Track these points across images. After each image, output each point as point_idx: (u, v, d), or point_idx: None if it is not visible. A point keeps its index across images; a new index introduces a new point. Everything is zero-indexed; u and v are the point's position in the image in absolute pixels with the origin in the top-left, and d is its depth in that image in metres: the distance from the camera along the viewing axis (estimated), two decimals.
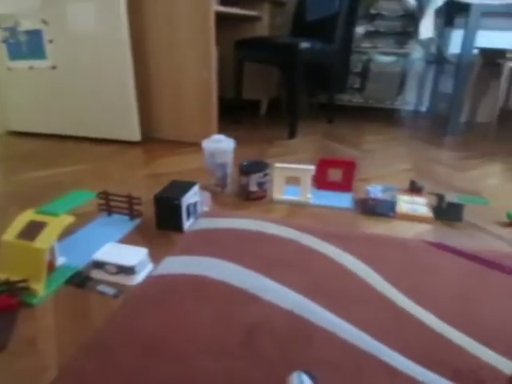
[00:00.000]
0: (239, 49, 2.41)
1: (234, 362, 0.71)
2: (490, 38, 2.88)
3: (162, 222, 1.19)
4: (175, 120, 2.14)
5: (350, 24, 2.60)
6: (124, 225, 1.22)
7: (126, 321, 0.81)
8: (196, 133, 2.08)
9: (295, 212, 1.34)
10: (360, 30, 2.90)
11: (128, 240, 1.13)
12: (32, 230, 0.92)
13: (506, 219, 1.33)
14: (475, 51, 2.41)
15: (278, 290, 0.91)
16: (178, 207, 1.14)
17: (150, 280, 0.94)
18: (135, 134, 2.09)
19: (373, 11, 2.84)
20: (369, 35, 2.93)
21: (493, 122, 2.59)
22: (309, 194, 1.37)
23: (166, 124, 2.17)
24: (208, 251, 1.06)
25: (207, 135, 1.52)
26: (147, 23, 1.98)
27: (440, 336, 0.79)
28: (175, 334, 0.77)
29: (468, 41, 2.25)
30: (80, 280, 0.95)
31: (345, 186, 1.46)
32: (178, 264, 1.00)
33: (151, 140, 2.19)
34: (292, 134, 2.28)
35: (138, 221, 1.25)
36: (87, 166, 1.77)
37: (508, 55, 2.30)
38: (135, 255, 0.97)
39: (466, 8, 2.22)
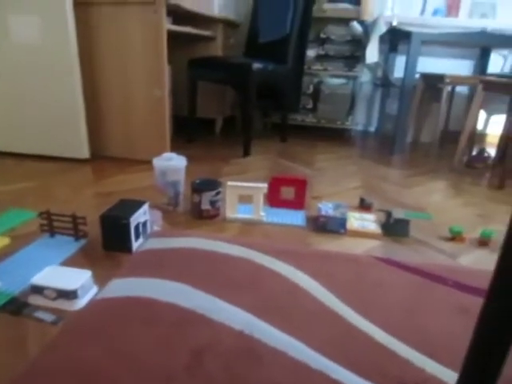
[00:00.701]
0: (192, 68, 2.41)
1: None
2: (430, 64, 3.09)
3: (109, 242, 1.14)
4: (126, 138, 2.09)
5: (302, 47, 2.69)
6: (68, 246, 1.15)
7: (64, 349, 0.75)
8: (148, 151, 2.04)
9: (248, 230, 1.34)
10: (311, 53, 3.01)
11: (72, 262, 1.07)
12: None
13: (448, 234, 1.40)
14: (417, 76, 2.57)
15: (229, 310, 0.89)
16: (126, 227, 1.10)
17: (93, 304, 0.89)
18: (83, 152, 2.01)
19: (322, 35, 2.96)
20: (319, 58, 3.04)
21: (435, 142, 2.75)
22: (262, 212, 1.37)
23: (117, 142, 2.11)
24: (157, 272, 1.02)
25: (159, 153, 1.49)
26: (97, 40, 1.94)
27: (388, 350, 0.80)
28: (117, 361, 0.73)
29: (410, 66, 2.40)
30: (16, 307, 0.88)
31: (297, 203, 1.48)
32: (124, 286, 0.95)
33: (101, 158, 2.12)
34: (246, 153, 2.29)
35: (83, 242, 1.19)
36: (30, 185, 1.68)
37: (446, 80, 2.47)
38: (77, 278, 0.92)
39: (407, 36, 2.37)
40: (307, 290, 0.99)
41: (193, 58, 2.40)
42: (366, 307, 0.94)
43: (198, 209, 1.38)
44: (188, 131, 2.60)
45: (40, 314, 0.86)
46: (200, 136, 2.77)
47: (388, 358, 0.78)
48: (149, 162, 1.43)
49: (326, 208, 1.36)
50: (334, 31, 2.93)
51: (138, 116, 2.03)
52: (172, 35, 2.22)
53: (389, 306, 0.96)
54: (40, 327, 0.82)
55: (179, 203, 1.45)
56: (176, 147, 2.22)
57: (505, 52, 3.14)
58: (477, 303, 0.98)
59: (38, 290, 0.89)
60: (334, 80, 3.07)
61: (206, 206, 1.37)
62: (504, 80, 2.29)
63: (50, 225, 1.19)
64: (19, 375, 0.69)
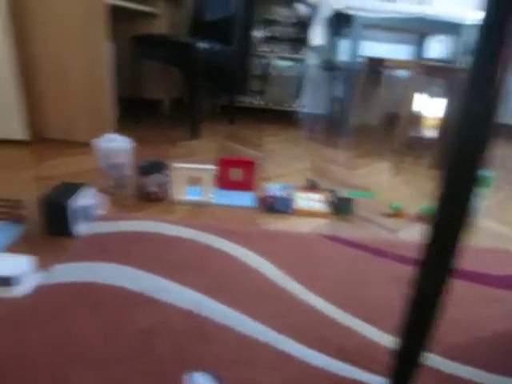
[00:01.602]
0: (135, 45, 2.31)
1: (127, 370, 0.67)
2: (374, 49, 3.19)
3: (50, 226, 1.09)
4: (67, 119, 1.97)
5: (248, 28, 2.66)
6: (5, 232, 1.08)
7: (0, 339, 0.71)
8: (90, 132, 1.95)
9: (197, 212, 1.33)
10: (258, 34, 2.99)
11: (12, 248, 1.01)
12: None
13: (389, 210, 1.47)
14: (361, 59, 2.64)
15: (177, 291, 0.88)
16: (65, 210, 1.05)
17: (36, 291, 0.85)
18: (22, 132, 1.88)
19: (269, 17, 2.95)
20: (267, 40, 3.04)
21: (379, 124, 2.87)
22: (211, 194, 1.37)
23: (58, 123, 1.99)
24: (102, 256, 0.99)
25: (103, 135, 1.43)
26: (33, 14, 1.79)
27: (330, 319, 0.84)
28: (60, 348, 0.70)
29: (353, 49, 2.46)
30: None
31: (246, 184, 1.48)
32: (68, 271, 0.92)
33: (41, 140, 1.99)
34: (194, 135, 2.26)
35: (22, 227, 1.12)
36: None
37: (386, 64, 2.56)
38: (16, 265, 0.87)
39: (350, 19, 2.42)
40: (256, 268, 1.01)
41: (135, 36, 2.30)
42: (311, 281, 0.98)
43: (144, 191, 1.35)
44: (133, 112, 2.51)
45: None
46: (147, 118, 2.68)
47: (329, 327, 0.82)
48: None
49: (274, 189, 1.38)
50: (280, 12, 2.93)
51: (77, 96, 1.92)
52: (114, 10, 2.12)
53: (332, 279, 1.00)
54: None
55: (126, 186, 1.40)
56: (122, 129, 2.14)
57: (441, 38, 3.31)
58: (413, 272, 1.05)
59: None
60: (281, 62, 3.08)
61: (153, 188, 1.34)
62: (438, 64, 2.43)
63: None
64: None
